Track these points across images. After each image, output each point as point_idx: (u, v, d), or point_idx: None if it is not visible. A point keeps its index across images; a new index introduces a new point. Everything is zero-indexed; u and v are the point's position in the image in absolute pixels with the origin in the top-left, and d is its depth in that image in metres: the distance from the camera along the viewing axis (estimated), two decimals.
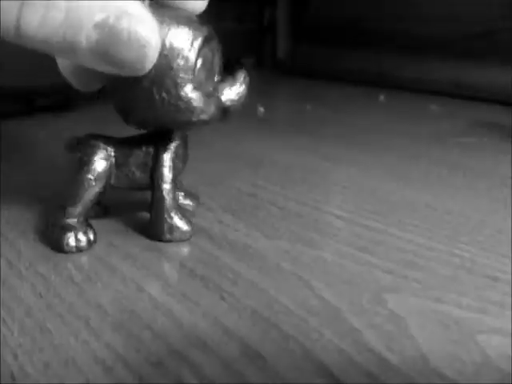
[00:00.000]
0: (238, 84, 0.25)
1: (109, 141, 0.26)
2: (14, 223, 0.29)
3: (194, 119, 0.24)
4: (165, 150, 0.26)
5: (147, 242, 0.27)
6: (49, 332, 0.19)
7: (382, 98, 0.71)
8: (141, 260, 0.25)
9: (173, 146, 0.26)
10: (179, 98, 0.23)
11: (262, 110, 0.62)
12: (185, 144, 0.27)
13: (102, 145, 0.26)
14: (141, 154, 0.26)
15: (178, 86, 0.23)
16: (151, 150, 0.26)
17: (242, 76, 0.25)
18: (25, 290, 0.22)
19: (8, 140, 0.48)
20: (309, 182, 0.36)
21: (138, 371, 0.17)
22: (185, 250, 0.26)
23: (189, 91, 0.23)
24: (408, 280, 0.23)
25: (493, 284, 0.22)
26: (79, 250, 0.26)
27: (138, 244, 0.26)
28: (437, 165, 0.41)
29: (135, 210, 0.31)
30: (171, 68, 0.22)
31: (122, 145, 0.26)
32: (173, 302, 0.21)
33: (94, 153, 0.26)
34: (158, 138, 0.26)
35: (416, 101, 0.71)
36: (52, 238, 0.26)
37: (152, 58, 0.20)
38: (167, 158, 0.26)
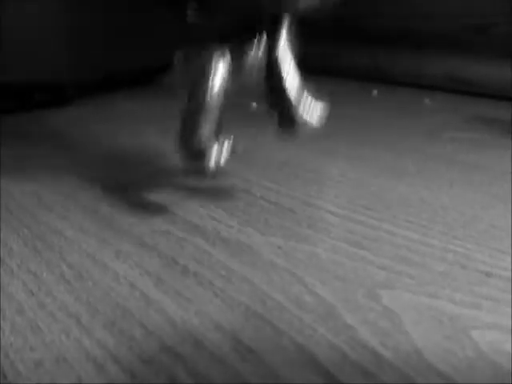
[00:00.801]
0: None
1: (224, 47, 0.26)
2: (5, 221, 0.29)
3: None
4: (275, 32, 0.25)
5: (139, 238, 0.26)
6: (40, 330, 0.19)
7: (375, 92, 0.71)
8: (133, 257, 0.25)
9: (282, 27, 0.25)
10: None
11: (254, 104, 0.62)
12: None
13: (220, 51, 0.25)
14: (254, 43, 0.25)
15: None
16: (260, 36, 0.25)
17: None
18: (16, 288, 0.22)
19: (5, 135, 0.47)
20: (302, 178, 0.35)
21: (130, 368, 0.17)
22: (177, 246, 0.26)
23: None
24: (402, 276, 0.23)
25: (486, 279, 0.22)
26: (217, 163, 0.26)
27: (129, 241, 0.26)
28: (431, 160, 0.41)
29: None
30: None
31: (233, 46, 0.26)
32: (165, 299, 0.21)
33: (214, 60, 0.25)
34: (263, 24, 0.25)
35: (410, 95, 0.71)
36: (191, 149, 0.26)
37: None
38: (281, 37, 0.25)
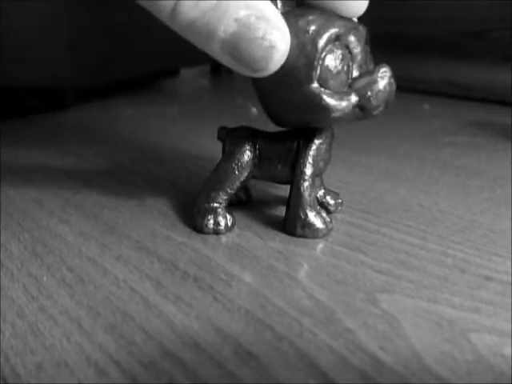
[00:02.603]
0: (374, 79, 0.24)
1: (255, 133, 0.28)
2: (5, 225, 0.29)
3: (322, 117, 0.24)
4: (306, 147, 0.26)
5: (140, 243, 0.27)
6: (41, 334, 0.19)
7: None
8: (133, 261, 0.25)
9: (315, 143, 0.26)
10: (303, 95, 0.23)
11: (254, 110, 0.62)
12: (329, 144, 0.27)
13: (248, 137, 0.27)
14: (283, 149, 0.27)
15: (301, 84, 0.23)
16: (294, 145, 0.27)
17: (380, 71, 0.24)
18: (16, 292, 0.22)
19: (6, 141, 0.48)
20: None
21: (130, 372, 0.17)
22: (178, 250, 0.26)
23: (313, 88, 0.23)
24: (401, 280, 0.23)
25: (485, 283, 0.23)
26: (217, 233, 0.27)
27: (130, 245, 0.26)
28: (430, 164, 0.41)
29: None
30: (295, 66, 0.22)
31: (267, 138, 0.27)
32: (166, 303, 0.21)
33: (240, 144, 0.27)
34: (301, 135, 0.27)
35: (409, 100, 0.71)
36: (194, 219, 0.28)
37: (277, 61, 0.21)
38: (308, 154, 0.26)
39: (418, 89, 0.76)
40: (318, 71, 0.23)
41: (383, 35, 0.82)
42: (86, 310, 0.21)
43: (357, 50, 0.24)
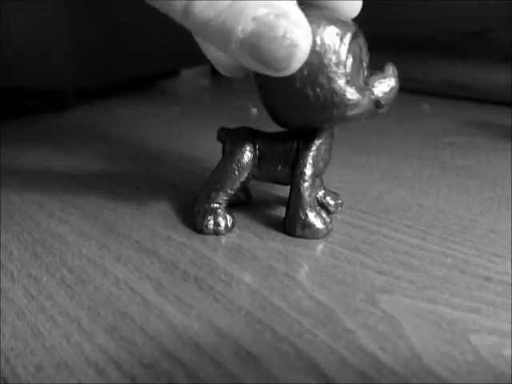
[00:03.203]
0: (388, 77, 0.25)
1: (255, 134, 0.28)
2: (6, 226, 0.29)
3: (349, 113, 0.24)
4: (306, 147, 0.26)
5: (140, 243, 0.27)
6: (41, 334, 0.19)
7: None
8: (133, 262, 0.25)
9: (315, 144, 0.26)
10: (334, 91, 0.23)
11: (254, 110, 0.62)
12: (329, 145, 0.27)
13: (248, 137, 0.27)
14: (283, 150, 0.27)
15: (331, 81, 0.23)
16: (294, 146, 0.27)
17: (390, 69, 0.25)
18: (16, 293, 0.22)
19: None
20: None
21: (130, 373, 0.17)
22: (178, 251, 0.26)
23: (343, 85, 0.23)
24: (401, 280, 0.23)
25: (485, 284, 0.23)
26: (217, 233, 0.27)
27: (130, 246, 0.26)
28: (429, 165, 0.41)
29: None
30: (323, 64, 0.23)
31: (267, 139, 0.28)
32: (166, 304, 0.21)
33: (240, 144, 0.27)
34: (302, 136, 0.27)
35: (409, 100, 0.71)
36: (194, 219, 0.28)
37: (300, 59, 0.20)
38: (308, 155, 0.26)
39: (417, 89, 0.76)
40: (347, 68, 0.23)
41: (383, 35, 0.82)
42: (86, 310, 0.21)
43: (364, 50, 0.25)
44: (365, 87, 0.24)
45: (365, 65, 0.25)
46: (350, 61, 0.23)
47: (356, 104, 0.23)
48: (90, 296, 0.22)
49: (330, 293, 0.22)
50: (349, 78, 0.23)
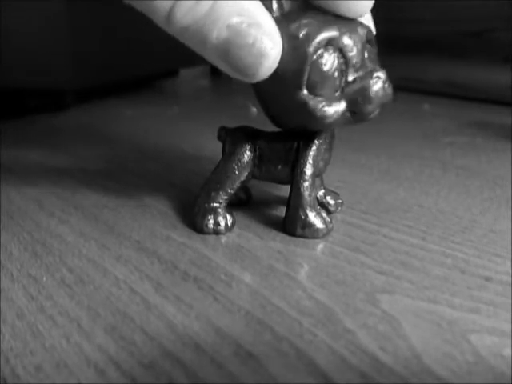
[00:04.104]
0: (368, 84, 0.23)
1: (255, 133, 0.28)
2: (6, 225, 0.29)
3: (316, 122, 0.23)
4: (307, 147, 0.26)
5: (139, 243, 0.27)
6: (40, 335, 0.19)
7: None
8: (133, 262, 0.25)
9: (315, 144, 0.26)
10: (296, 101, 0.23)
11: (254, 110, 0.62)
12: (329, 144, 0.27)
13: (248, 137, 0.27)
14: (283, 149, 0.27)
15: (293, 91, 0.23)
16: (294, 145, 0.27)
17: (374, 75, 0.23)
18: (16, 293, 0.22)
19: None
20: None
21: (130, 373, 0.17)
22: (178, 251, 0.26)
23: (303, 95, 0.23)
24: (401, 280, 0.23)
25: (485, 284, 0.22)
26: (217, 233, 0.27)
27: (130, 246, 0.26)
28: (430, 165, 0.41)
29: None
30: (285, 72, 0.22)
31: (268, 139, 0.27)
32: (166, 304, 0.21)
33: (240, 144, 0.27)
34: (302, 136, 0.27)
35: (409, 100, 0.71)
36: (194, 219, 0.28)
37: (267, 68, 0.21)
38: (309, 154, 0.26)
39: (417, 89, 0.76)
40: (307, 77, 0.23)
41: (383, 35, 0.82)
42: (86, 310, 0.21)
43: (352, 53, 0.23)
44: (334, 97, 0.23)
45: (351, 69, 0.23)
46: (315, 69, 0.23)
47: (320, 115, 0.23)
48: (89, 296, 0.22)
49: (330, 293, 0.22)
50: (310, 88, 0.23)
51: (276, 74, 0.22)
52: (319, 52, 0.22)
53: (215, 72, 1.09)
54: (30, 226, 0.29)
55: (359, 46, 0.23)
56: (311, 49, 0.22)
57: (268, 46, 0.20)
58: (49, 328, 0.19)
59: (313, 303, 0.21)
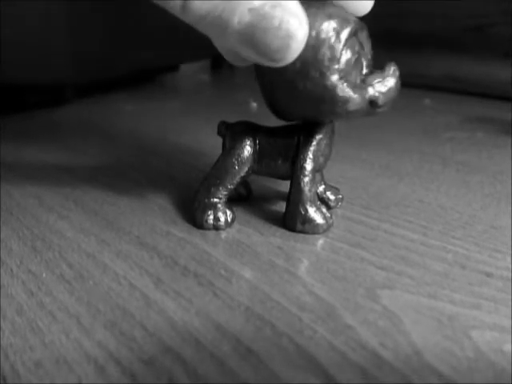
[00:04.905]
0: (386, 76, 0.24)
1: (255, 128, 0.28)
2: (5, 221, 0.29)
3: (339, 109, 0.24)
4: (307, 142, 0.26)
5: (139, 239, 0.26)
6: (40, 331, 0.19)
7: None
8: (133, 257, 0.25)
9: (316, 139, 0.26)
10: (324, 87, 0.23)
11: (254, 105, 0.62)
12: (329, 139, 0.27)
13: (248, 132, 0.27)
14: (283, 144, 0.27)
15: (323, 76, 0.23)
16: (294, 141, 0.27)
17: (391, 69, 0.24)
18: (16, 288, 0.22)
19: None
20: None
21: (130, 369, 0.17)
22: (178, 246, 0.26)
23: (334, 81, 0.23)
24: (402, 276, 0.23)
25: (486, 280, 0.22)
26: (216, 228, 0.27)
27: (129, 241, 0.26)
28: (430, 160, 0.41)
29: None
30: (316, 58, 0.22)
31: (268, 134, 0.27)
32: (165, 300, 0.21)
33: (240, 139, 0.27)
34: (302, 130, 0.27)
35: (410, 95, 0.71)
36: (194, 214, 0.28)
37: (295, 50, 0.20)
38: (309, 150, 0.26)
39: (418, 84, 0.76)
40: (341, 64, 0.23)
41: (384, 30, 0.82)
42: (86, 306, 0.21)
43: (367, 47, 0.24)
44: (360, 85, 0.24)
45: (365, 62, 0.24)
46: (345, 57, 0.23)
47: (346, 101, 0.23)
48: (89, 292, 0.22)
49: (330, 288, 0.22)
50: (342, 75, 0.23)
51: (304, 60, 0.22)
52: (350, 41, 0.23)
53: (216, 67, 1.09)
54: (30, 221, 0.29)
55: (370, 42, 0.24)
56: (346, 36, 0.22)
57: (295, 27, 0.20)
58: (48, 324, 0.19)
59: (313, 299, 0.21)
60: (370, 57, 0.25)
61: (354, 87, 0.23)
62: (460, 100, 0.68)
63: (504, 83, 0.67)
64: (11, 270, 0.24)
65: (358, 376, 0.17)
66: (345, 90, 0.23)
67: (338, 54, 0.22)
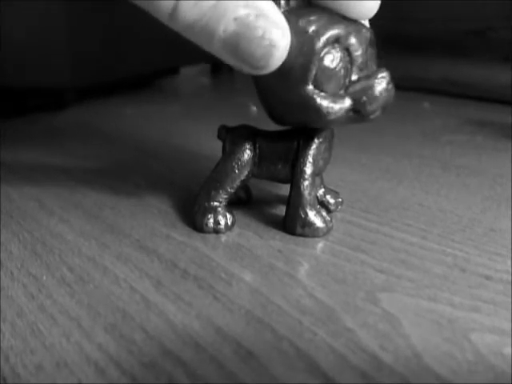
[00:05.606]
0: (373, 83, 0.23)
1: (255, 132, 0.28)
2: (5, 224, 0.29)
3: (319, 118, 0.23)
4: (307, 146, 0.26)
5: (139, 242, 0.27)
6: (40, 333, 0.19)
7: None
8: (133, 260, 0.25)
9: (315, 142, 0.26)
10: (300, 96, 0.23)
11: (254, 108, 0.62)
12: (329, 143, 0.27)
13: (248, 136, 0.27)
14: (283, 148, 0.27)
15: (298, 85, 0.23)
16: (294, 144, 0.27)
17: (379, 75, 0.23)
18: (16, 291, 0.22)
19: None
20: None
21: (130, 372, 0.17)
22: (178, 249, 0.26)
23: (308, 90, 0.23)
24: (401, 279, 0.23)
25: (486, 282, 0.22)
26: (217, 232, 0.27)
27: (130, 244, 0.26)
28: (430, 163, 0.41)
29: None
30: (292, 66, 0.22)
31: (268, 137, 0.27)
32: (166, 303, 0.21)
33: (240, 143, 0.27)
34: (302, 134, 0.27)
35: (409, 99, 0.71)
36: (194, 217, 0.28)
37: (278, 58, 0.21)
38: (309, 153, 0.26)
39: (417, 87, 0.76)
40: (314, 73, 0.23)
41: (383, 33, 0.82)
42: (86, 309, 0.21)
43: (357, 52, 0.23)
44: (339, 95, 0.23)
45: (355, 68, 0.24)
46: (321, 66, 0.23)
47: (323, 110, 0.23)
48: (89, 295, 0.22)
49: (330, 291, 0.22)
50: (317, 83, 0.23)
51: (283, 69, 0.22)
52: (327, 49, 0.23)
53: (216, 70, 1.09)
54: (30, 224, 0.29)
55: (364, 46, 0.24)
56: (320, 44, 0.22)
57: (278, 37, 0.20)
58: (49, 327, 0.19)
59: (313, 302, 0.21)
60: (363, 61, 0.24)
61: (329, 97, 0.23)
62: (459, 103, 0.68)
63: (504, 87, 0.67)
64: (11, 273, 0.24)
65: (358, 378, 0.17)
66: (317, 100, 0.23)
67: (311, 63, 0.22)
